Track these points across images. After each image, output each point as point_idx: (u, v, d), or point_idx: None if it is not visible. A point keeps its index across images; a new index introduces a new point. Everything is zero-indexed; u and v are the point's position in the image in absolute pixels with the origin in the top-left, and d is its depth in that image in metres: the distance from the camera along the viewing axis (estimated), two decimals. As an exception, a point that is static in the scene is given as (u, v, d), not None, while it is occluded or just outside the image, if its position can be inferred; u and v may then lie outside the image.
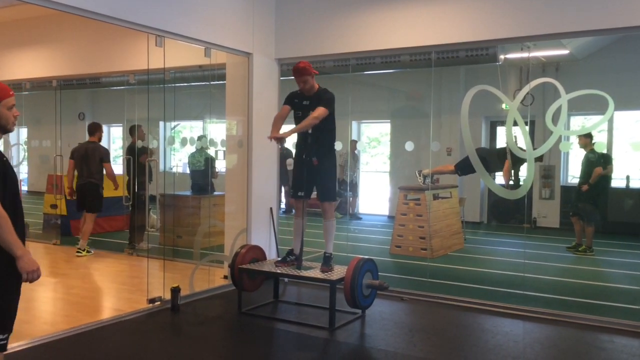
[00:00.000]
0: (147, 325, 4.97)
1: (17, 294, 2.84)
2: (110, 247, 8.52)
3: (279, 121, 5.17)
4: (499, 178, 7.06)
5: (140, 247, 8.05)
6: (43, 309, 5.55)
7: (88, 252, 7.90)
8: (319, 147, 5.15)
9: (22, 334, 4.43)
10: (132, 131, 8.14)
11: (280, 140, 5.07)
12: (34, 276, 2.71)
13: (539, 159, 6.27)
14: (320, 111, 4.95)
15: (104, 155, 8.10)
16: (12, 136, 12.51)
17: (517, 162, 6.40)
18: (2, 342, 2.80)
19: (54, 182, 9.39)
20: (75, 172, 8.20)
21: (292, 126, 5.16)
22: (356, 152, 12.00)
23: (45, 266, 7.77)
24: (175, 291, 5.34)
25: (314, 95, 5.11)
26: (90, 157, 7.98)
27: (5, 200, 2.74)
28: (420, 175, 8.91)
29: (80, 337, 4.55)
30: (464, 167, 6.98)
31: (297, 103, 5.19)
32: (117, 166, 10.22)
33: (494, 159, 6.77)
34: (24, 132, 14.38)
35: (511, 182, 6.86)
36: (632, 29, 4.82)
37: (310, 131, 5.07)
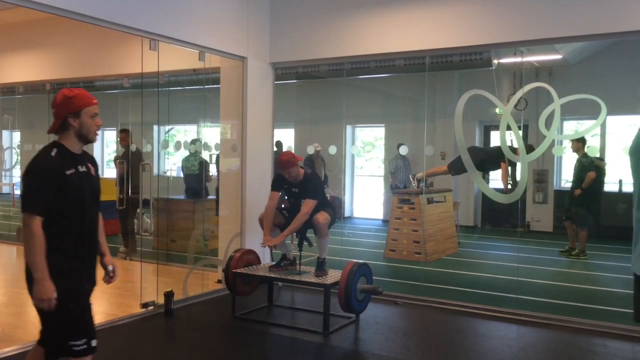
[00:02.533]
0: (140, 330, 4.94)
1: (87, 299, 2.83)
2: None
3: (270, 215, 5.22)
4: (492, 182, 7.08)
5: (123, 250, 8.03)
6: (35, 313, 5.46)
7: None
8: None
9: (14, 339, 4.40)
10: (125, 135, 8.13)
11: (275, 246, 5.21)
12: (43, 305, 2.63)
13: (530, 147, 6.25)
14: (309, 205, 5.08)
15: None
16: (4, 140, 12.47)
17: (512, 165, 6.42)
18: (81, 347, 2.73)
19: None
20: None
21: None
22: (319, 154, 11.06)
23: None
24: (168, 296, 5.31)
25: (301, 183, 5.22)
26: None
27: (68, 213, 2.68)
28: (414, 180, 8.93)
29: (73, 342, 4.52)
30: (456, 167, 7.00)
31: (287, 189, 5.31)
32: (110, 170, 10.18)
33: (486, 157, 6.79)
34: (16, 136, 14.31)
35: (509, 187, 6.88)
36: (624, 34, 4.86)
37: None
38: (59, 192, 2.63)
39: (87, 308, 2.82)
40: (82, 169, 2.76)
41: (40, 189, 2.61)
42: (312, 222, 5.13)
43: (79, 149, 2.80)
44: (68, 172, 2.67)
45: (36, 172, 2.64)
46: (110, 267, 3.01)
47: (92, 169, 2.85)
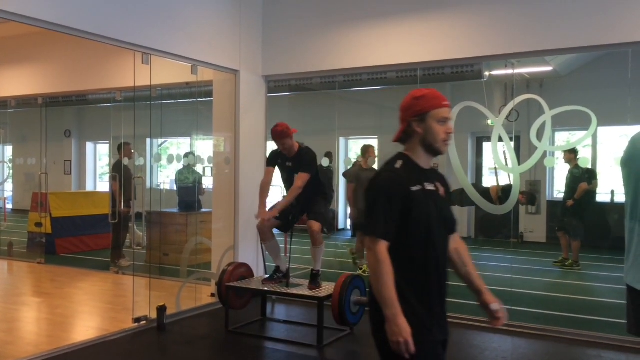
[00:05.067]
0: (133, 345, 4.90)
1: (437, 352, 2.31)
2: (96, 266, 8.43)
3: (265, 189, 5.22)
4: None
5: (120, 264, 7.99)
6: (26, 329, 5.46)
7: None
8: (309, 204, 5.20)
9: (5, 355, 4.35)
10: (120, 149, 8.14)
11: (269, 219, 5.15)
12: (396, 348, 2.10)
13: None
14: (302, 178, 5.05)
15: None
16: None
17: (504, 189, 6.45)
18: None
19: (38, 200, 9.30)
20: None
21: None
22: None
23: (30, 285, 7.66)
24: (161, 310, 5.27)
25: (295, 156, 5.20)
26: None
27: (409, 240, 2.21)
28: None
29: (64, 358, 4.47)
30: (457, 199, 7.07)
31: (281, 163, 5.29)
32: (104, 184, 10.15)
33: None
34: (8, 150, 14.26)
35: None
36: (614, 46, 4.91)
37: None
38: (403, 213, 2.20)
39: None
40: (429, 187, 2.28)
41: (385, 208, 2.18)
42: (307, 228, 5.14)
43: (427, 163, 2.33)
44: (413, 189, 2.22)
45: (380, 187, 2.22)
46: (494, 307, 2.40)
47: (442, 189, 2.34)
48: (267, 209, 5.17)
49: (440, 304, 2.32)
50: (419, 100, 2.30)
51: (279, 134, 5.08)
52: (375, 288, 2.15)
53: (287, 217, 5.24)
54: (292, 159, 5.20)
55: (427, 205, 2.23)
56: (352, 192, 7.60)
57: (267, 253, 6.56)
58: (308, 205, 5.20)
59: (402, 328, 2.09)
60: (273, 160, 5.31)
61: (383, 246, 2.15)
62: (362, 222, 2.22)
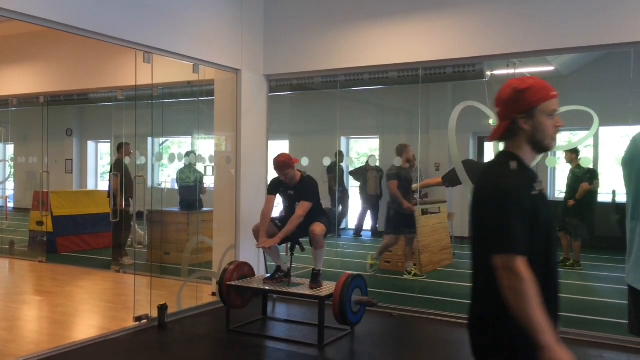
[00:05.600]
0: (134, 344, 4.90)
1: None
2: (97, 265, 8.44)
3: (267, 218, 5.22)
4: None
5: (123, 262, 8.00)
6: (28, 328, 5.46)
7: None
8: (307, 229, 5.21)
9: (6, 354, 4.35)
10: (120, 148, 8.15)
11: (270, 248, 5.20)
12: None
13: None
14: (304, 207, 5.09)
15: None
16: (-2, 152, 12.43)
17: None
18: None
19: (40, 199, 9.31)
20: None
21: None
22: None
23: (31, 284, 7.67)
24: (162, 309, 5.28)
25: (297, 185, 5.23)
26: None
27: (533, 252, 1.89)
28: None
29: (65, 357, 4.48)
30: (451, 179, 7.02)
31: (282, 192, 5.32)
32: (105, 182, 10.16)
33: (479, 171, 6.82)
34: (10, 149, 14.27)
35: None
36: (615, 46, 4.90)
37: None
38: (530, 222, 1.90)
39: None
40: (539, 188, 2.00)
41: (517, 218, 1.86)
42: (309, 232, 5.13)
43: (532, 162, 2.06)
44: (533, 193, 1.96)
45: (507, 195, 1.89)
46: None
47: (544, 190, 2.06)
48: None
49: (556, 323, 2.01)
50: (524, 93, 1.99)
51: (281, 164, 5.12)
52: (520, 312, 1.81)
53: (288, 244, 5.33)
54: (294, 188, 5.24)
55: (545, 211, 1.97)
56: (397, 187, 7.54)
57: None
58: (308, 227, 5.22)
59: (563, 356, 1.79)
60: (274, 188, 5.34)
61: (523, 262, 1.82)
62: (484, 238, 1.88)
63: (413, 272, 7.60)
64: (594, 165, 9.56)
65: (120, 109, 9.67)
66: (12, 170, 13.00)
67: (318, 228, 5.10)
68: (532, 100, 1.98)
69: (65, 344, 4.68)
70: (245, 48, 6.28)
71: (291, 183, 5.23)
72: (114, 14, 4.80)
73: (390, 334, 5.33)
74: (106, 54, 7.23)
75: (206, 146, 7.95)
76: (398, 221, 7.58)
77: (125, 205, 7.88)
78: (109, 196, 8.19)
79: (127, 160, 8.04)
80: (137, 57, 5.26)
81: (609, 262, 8.70)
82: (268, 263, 6.38)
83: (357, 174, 11.60)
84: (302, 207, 5.08)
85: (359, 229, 11.66)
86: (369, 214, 11.67)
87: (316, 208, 5.21)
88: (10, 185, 13.82)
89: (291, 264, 5.38)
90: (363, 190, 11.44)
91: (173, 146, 14.07)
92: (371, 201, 11.37)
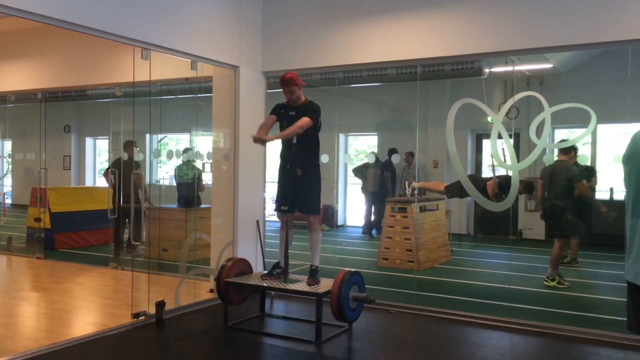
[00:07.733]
0: (132, 340, 4.90)
1: None
2: (95, 261, 8.44)
3: (264, 127, 5.14)
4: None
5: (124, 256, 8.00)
6: (25, 324, 5.46)
7: None
8: (303, 158, 5.14)
9: (4, 350, 4.36)
10: (126, 146, 8.19)
11: (264, 142, 5.03)
12: None
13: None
14: (304, 121, 4.96)
15: None
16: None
17: (504, 187, 6.40)
18: None
19: (37, 195, 9.30)
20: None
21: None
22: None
23: (29, 280, 7.67)
24: (160, 305, 5.28)
25: (300, 107, 5.14)
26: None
27: None
28: (409, 187, 8.94)
29: (63, 353, 4.48)
30: (453, 191, 7.03)
31: (284, 114, 5.21)
32: (103, 179, 10.16)
33: (481, 188, 6.79)
34: (8, 145, 14.25)
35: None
36: (613, 43, 4.90)
37: (294, 141, 5.09)
38: None
39: None
40: None
41: None
42: (305, 219, 5.21)
43: None
44: None
45: None
46: None
47: None
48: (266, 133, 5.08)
49: None
50: None
51: (287, 80, 5.05)
52: None
53: (286, 196, 5.21)
54: (297, 109, 5.14)
55: None
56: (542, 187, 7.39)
57: (267, 249, 6.58)
58: (303, 187, 5.15)
59: None
60: (276, 109, 5.26)
61: None
62: None
63: (558, 281, 7.07)
64: (591, 163, 9.58)
65: (118, 105, 9.64)
66: (10, 166, 12.97)
67: (313, 217, 5.19)
68: None
69: (63, 340, 4.69)
70: (244, 45, 6.27)
71: (295, 104, 5.14)
72: (111, 10, 4.79)
73: (388, 331, 5.35)
74: (104, 51, 7.21)
75: (204, 143, 7.94)
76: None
77: (124, 202, 7.86)
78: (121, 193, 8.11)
79: (124, 156, 8.03)
80: (135, 53, 5.24)
81: (607, 259, 8.72)
82: (266, 260, 6.39)
83: (358, 171, 11.62)
84: (303, 120, 4.94)
85: (369, 227, 11.60)
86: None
87: (313, 141, 5.14)
88: (8, 181, 13.80)
89: (287, 260, 5.37)
90: (365, 187, 11.45)
91: (171, 143, 14.05)
92: (373, 198, 11.38)
